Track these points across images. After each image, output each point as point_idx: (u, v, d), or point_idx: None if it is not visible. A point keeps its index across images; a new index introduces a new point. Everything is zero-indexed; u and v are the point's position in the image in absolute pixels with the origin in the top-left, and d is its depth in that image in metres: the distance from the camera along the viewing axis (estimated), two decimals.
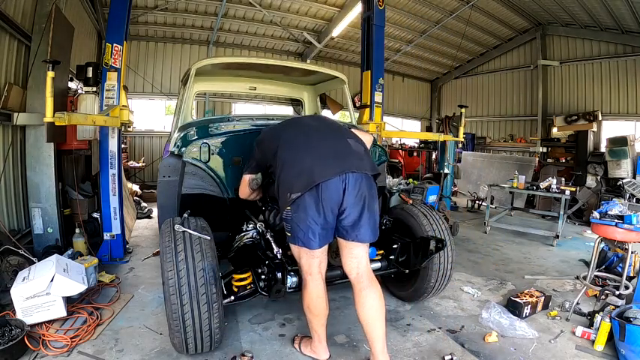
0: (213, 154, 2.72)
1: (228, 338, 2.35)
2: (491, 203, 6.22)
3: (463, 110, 4.78)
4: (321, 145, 1.97)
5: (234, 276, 2.28)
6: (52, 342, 2.19)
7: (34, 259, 2.92)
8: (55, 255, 2.75)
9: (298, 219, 1.88)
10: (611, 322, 2.31)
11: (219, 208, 2.78)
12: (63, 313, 2.40)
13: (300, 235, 1.90)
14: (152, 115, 9.17)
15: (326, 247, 2.02)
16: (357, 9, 7.07)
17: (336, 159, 1.90)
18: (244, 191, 2.46)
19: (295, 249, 2.03)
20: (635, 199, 5.56)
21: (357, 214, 1.90)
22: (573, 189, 5.41)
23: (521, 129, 10.69)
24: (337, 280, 2.38)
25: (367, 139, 2.35)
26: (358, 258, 2.02)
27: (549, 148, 9.25)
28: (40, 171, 3.48)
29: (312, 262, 1.99)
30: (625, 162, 6.89)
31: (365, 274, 2.02)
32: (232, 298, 2.20)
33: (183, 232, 1.99)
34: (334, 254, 2.23)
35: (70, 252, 3.28)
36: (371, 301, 1.97)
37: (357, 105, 5.73)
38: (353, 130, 2.32)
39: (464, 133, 5.39)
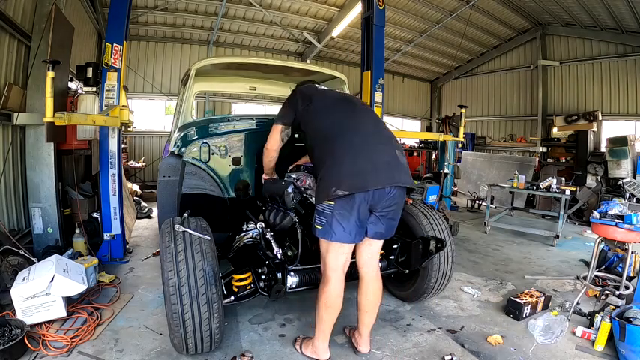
0: (213, 154, 2.73)
1: (228, 338, 2.35)
2: (492, 203, 6.22)
3: (463, 110, 4.78)
4: (377, 151, 2.01)
5: (234, 276, 2.28)
6: (52, 342, 2.19)
7: (34, 259, 2.92)
8: (55, 255, 2.74)
9: (341, 215, 1.91)
10: (611, 322, 2.32)
11: (219, 208, 2.78)
12: (63, 313, 2.39)
13: (337, 231, 1.93)
14: (152, 115, 9.18)
15: (352, 245, 2.06)
16: (357, 9, 7.07)
17: (388, 170, 1.96)
18: (275, 139, 2.33)
19: (324, 244, 2.03)
20: (635, 199, 5.56)
21: (386, 221, 2.04)
22: (573, 189, 5.40)
23: (522, 129, 10.70)
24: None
25: None
26: (372, 253, 2.17)
27: (549, 148, 9.25)
28: (40, 171, 3.47)
29: (340, 258, 2.02)
30: (625, 162, 6.89)
31: (375, 266, 2.21)
32: (232, 298, 2.20)
33: (183, 232, 1.99)
34: None
35: (70, 252, 3.28)
36: (372, 291, 2.16)
37: None
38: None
39: (464, 133, 5.40)
